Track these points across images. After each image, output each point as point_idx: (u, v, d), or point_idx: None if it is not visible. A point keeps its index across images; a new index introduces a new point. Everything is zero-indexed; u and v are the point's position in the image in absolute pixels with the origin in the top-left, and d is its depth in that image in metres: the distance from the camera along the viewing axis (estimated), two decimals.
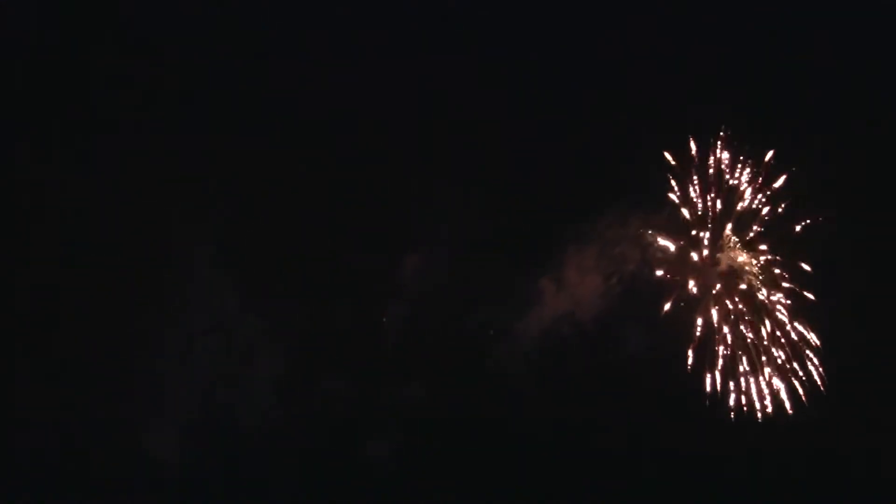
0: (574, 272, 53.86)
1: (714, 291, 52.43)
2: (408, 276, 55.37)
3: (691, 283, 52.64)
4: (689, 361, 51.60)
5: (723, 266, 53.04)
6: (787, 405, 51.60)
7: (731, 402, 51.57)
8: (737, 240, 53.43)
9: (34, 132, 55.30)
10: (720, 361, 51.56)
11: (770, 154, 52.42)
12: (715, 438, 51.62)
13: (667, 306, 52.25)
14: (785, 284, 52.15)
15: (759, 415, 51.38)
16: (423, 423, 54.31)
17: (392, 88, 56.69)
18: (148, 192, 54.64)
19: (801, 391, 51.72)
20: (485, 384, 54.39)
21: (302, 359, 54.48)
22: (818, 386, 51.59)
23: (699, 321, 52.02)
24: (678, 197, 53.22)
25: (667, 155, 52.94)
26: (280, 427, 53.49)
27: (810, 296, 51.64)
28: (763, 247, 53.11)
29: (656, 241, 53.24)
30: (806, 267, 51.80)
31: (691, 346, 51.63)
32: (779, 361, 51.44)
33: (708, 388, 51.66)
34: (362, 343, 55.58)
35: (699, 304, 52.20)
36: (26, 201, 54.37)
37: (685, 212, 53.11)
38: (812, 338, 51.65)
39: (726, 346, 51.89)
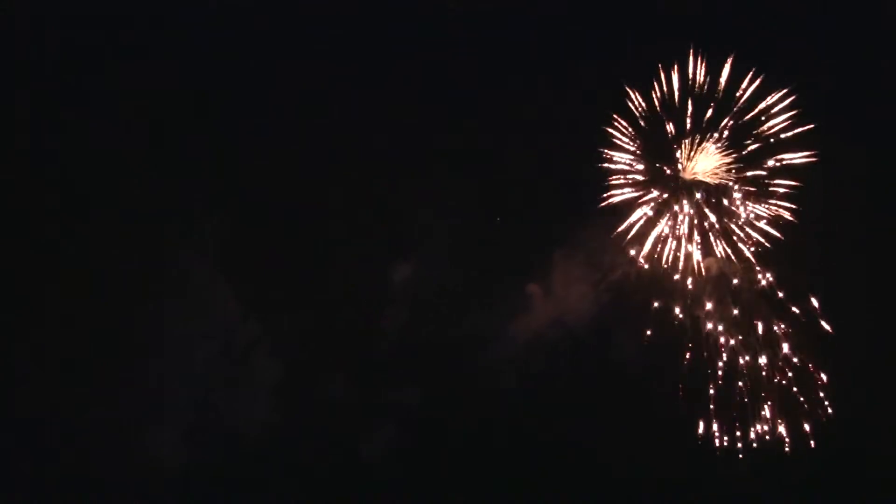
0: (561, 279, 53.17)
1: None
2: (402, 283, 55.48)
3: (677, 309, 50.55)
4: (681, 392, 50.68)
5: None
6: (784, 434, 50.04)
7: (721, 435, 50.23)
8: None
9: (34, 134, 55.43)
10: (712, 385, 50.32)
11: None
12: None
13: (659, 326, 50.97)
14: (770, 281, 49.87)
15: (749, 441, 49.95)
16: (419, 426, 54.30)
17: (389, 100, 56.41)
18: (148, 197, 54.95)
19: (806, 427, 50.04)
20: (478, 388, 54.14)
21: (299, 363, 54.55)
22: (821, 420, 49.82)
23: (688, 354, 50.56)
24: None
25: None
26: (278, 430, 53.59)
27: (826, 326, 49.42)
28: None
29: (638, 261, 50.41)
30: (815, 302, 49.07)
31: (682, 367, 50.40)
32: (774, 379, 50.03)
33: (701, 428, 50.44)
34: (359, 348, 55.54)
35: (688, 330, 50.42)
36: (27, 204, 54.45)
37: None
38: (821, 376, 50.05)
39: (718, 376, 50.04)
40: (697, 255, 49.31)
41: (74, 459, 51.54)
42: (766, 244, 48.64)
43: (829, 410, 49.49)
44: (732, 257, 48.92)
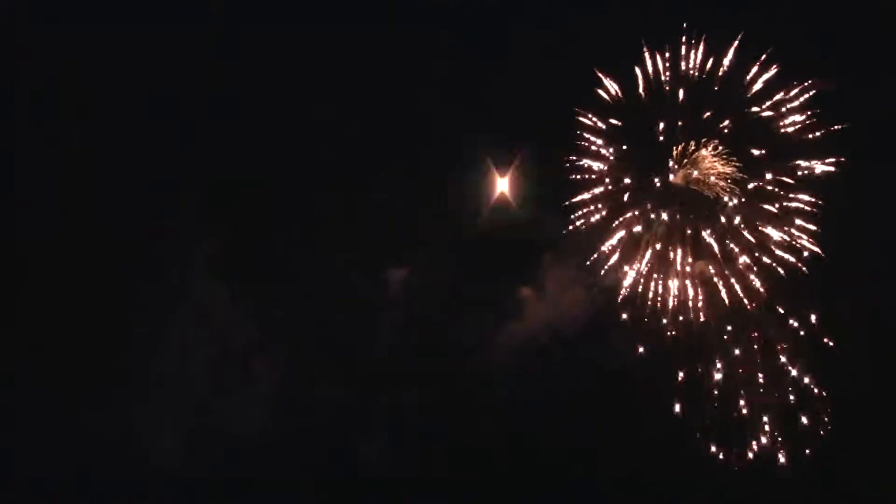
0: (555, 283, 50.46)
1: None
2: (399, 286, 54.89)
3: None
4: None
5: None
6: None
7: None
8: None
9: (32, 134, 55.50)
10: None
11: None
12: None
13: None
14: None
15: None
16: (416, 428, 54.15)
17: (384, 106, 55.51)
18: (147, 200, 55.10)
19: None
20: (475, 390, 53.46)
21: (297, 366, 54.48)
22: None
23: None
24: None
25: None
26: (276, 432, 53.57)
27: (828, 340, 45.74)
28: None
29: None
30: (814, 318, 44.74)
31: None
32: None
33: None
34: (357, 351, 55.31)
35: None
36: (26, 205, 54.71)
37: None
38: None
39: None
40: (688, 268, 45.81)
41: (73, 462, 51.94)
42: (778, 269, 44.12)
43: (828, 426, 46.82)
44: (739, 292, 44.34)
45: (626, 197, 44.18)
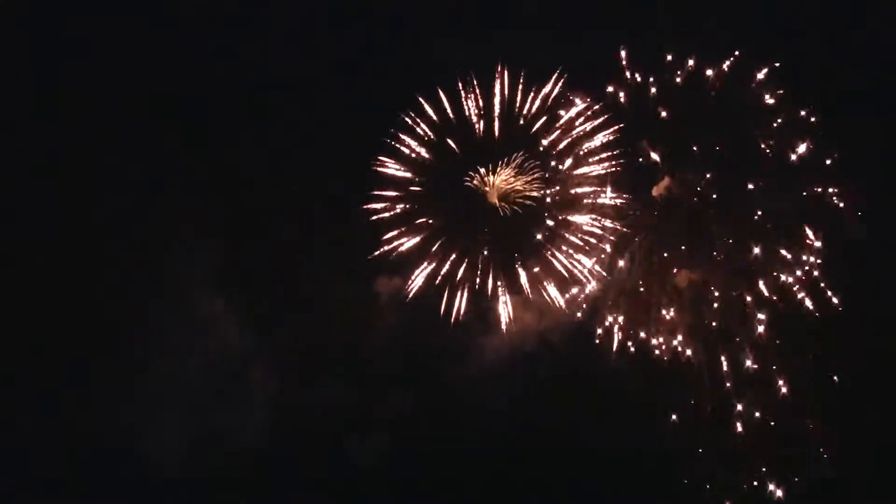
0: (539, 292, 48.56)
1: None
2: (390, 297, 54.65)
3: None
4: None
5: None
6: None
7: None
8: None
9: (32, 135, 55.43)
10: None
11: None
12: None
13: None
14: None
15: None
16: (411, 432, 54.24)
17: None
18: (149, 207, 55.31)
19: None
20: (470, 395, 53.47)
21: (294, 373, 54.83)
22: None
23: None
24: None
25: None
26: (273, 436, 54.03)
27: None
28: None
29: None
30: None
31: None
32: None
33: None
34: (351, 359, 55.47)
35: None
36: (28, 211, 54.97)
37: None
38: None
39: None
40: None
41: (72, 462, 52.65)
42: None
43: (829, 465, 43.75)
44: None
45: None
